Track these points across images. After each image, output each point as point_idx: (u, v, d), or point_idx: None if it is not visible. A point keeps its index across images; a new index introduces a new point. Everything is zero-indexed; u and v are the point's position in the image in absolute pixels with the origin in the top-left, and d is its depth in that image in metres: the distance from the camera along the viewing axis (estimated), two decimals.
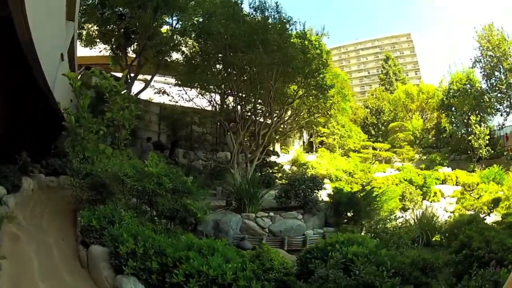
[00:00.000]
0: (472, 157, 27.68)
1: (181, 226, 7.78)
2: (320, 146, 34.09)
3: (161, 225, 7.36)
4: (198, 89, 18.13)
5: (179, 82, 17.97)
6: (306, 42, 17.91)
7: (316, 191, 15.72)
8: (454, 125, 31.97)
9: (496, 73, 29.07)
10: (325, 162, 27.08)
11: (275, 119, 18.54)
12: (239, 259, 5.27)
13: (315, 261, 5.56)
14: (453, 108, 30.80)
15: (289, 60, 16.17)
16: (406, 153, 34.57)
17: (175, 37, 18.61)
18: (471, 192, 18.42)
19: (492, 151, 27.47)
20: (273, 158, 25.17)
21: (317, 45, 18.54)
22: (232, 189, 14.66)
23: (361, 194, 15.28)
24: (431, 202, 19.55)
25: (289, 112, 20.16)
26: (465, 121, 28.85)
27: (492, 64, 29.00)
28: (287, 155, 28.72)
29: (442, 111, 33.56)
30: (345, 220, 15.25)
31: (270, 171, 22.39)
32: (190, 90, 18.65)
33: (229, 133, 20.83)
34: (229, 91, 17.97)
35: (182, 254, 4.80)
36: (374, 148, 35.84)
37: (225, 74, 16.62)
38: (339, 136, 34.14)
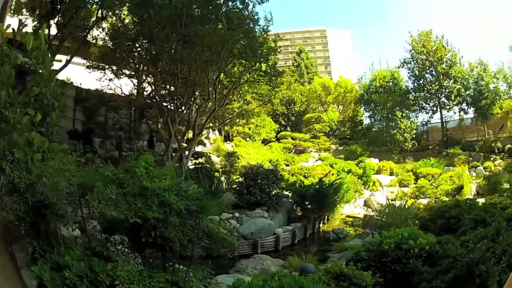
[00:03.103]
0: (393, 149, 29.44)
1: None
2: (236, 135, 32.95)
3: (174, 272, 4.71)
4: (127, 69, 15.72)
5: (101, 63, 15.57)
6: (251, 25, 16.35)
7: (276, 185, 14.51)
8: (373, 119, 34.11)
9: (427, 76, 31.59)
10: (252, 152, 26.03)
11: (217, 105, 16.64)
12: None
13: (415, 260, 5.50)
14: (372, 103, 32.74)
15: (249, 38, 14.44)
16: (323, 144, 35.73)
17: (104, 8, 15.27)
18: (432, 181, 19.47)
19: (417, 145, 29.72)
20: (198, 148, 23.04)
21: (266, 30, 17.05)
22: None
23: (325, 186, 14.51)
24: (370, 191, 20.06)
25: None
26: (386, 115, 30.82)
27: (423, 67, 31.34)
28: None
29: (361, 105, 35.50)
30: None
31: (198, 161, 20.34)
32: (110, 72, 16.11)
33: (145, 121, 18.33)
34: (166, 72, 15.41)
35: None
36: (292, 138, 36.20)
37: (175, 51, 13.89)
38: (254, 125, 33.47)
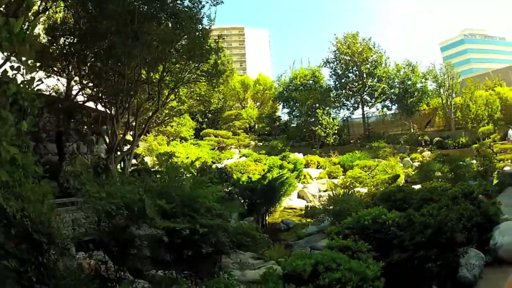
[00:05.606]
0: (313, 144, 31.43)
1: None
2: (157, 133, 32.27)
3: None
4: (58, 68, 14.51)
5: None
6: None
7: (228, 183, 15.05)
8: (291, 115, 35.91)
9: (350, 75, 33.49)
10: (182, 151, 25.97)
11: (160, 105, 16.48)
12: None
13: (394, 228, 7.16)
14: (292, 101, 34.38)
15: (194, 36, 14.62)
16: (243, 140, 36.91)
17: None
18: (369, 172, 21.10)
19: (339, 139, 31.11)
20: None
21: (209, 29, 17.35)
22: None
23: (272, 181, 15.51)
24: (303, 183, 21.68)
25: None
26: (306, 112, 32.31)
27: (346, 67, 33.11)
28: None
29: (280, 102, 37.19)
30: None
31: (133, 163, 19.69)
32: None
33: (74, 122, 17.15)
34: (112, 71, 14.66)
35: None
36: (215, 135, 36.63)
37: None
38: (176, 124, 33.20)
